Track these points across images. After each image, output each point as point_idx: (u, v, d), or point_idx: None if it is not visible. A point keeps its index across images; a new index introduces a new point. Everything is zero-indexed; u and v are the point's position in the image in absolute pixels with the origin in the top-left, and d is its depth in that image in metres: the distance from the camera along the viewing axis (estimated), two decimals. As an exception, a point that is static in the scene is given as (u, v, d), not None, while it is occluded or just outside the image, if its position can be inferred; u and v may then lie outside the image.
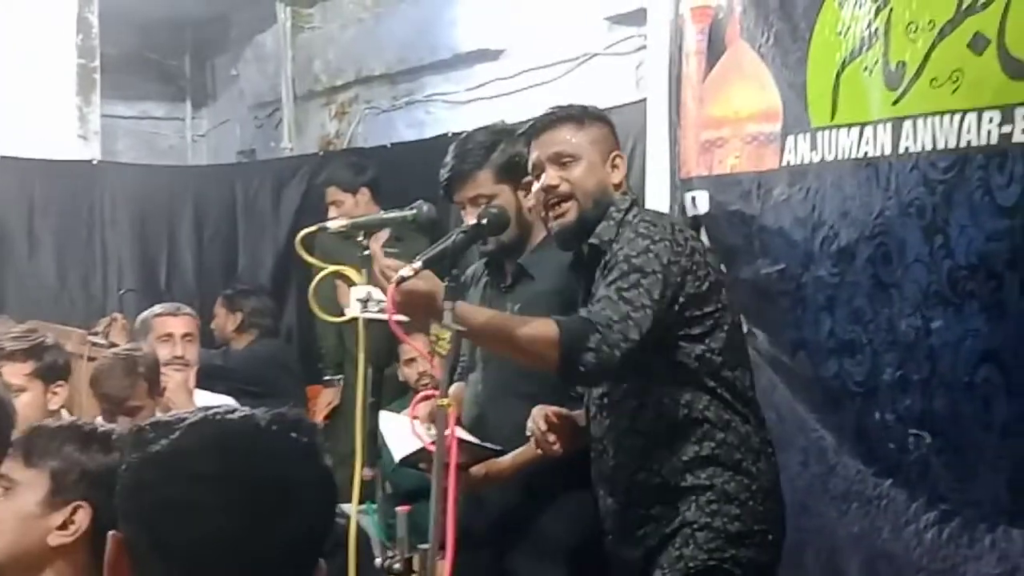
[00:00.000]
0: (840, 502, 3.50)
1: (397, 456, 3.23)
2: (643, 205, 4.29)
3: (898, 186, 3.14)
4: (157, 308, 5.26)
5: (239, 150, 8.34)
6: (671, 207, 4.20)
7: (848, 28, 3.33)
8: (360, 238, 3.15)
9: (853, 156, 3.31)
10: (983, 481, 3.00)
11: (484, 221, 3.05)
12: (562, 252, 3.26)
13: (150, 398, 4.25)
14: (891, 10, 3.18)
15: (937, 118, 3.01)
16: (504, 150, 3.40)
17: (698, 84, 4.08)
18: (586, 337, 2.78)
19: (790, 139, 3.58)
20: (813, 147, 3.49)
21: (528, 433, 3.13)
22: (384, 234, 3.37)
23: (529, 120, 3.24)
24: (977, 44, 2.90)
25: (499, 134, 3.48)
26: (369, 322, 3.00)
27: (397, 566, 3.12)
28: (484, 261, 3.58)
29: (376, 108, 7.03)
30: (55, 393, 4.05)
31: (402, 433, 3.15)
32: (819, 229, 3.45)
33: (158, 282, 7.34)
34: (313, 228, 3.30)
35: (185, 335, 5.07)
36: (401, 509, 3.20)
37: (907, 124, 3.11)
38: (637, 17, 4.88)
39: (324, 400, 6.18)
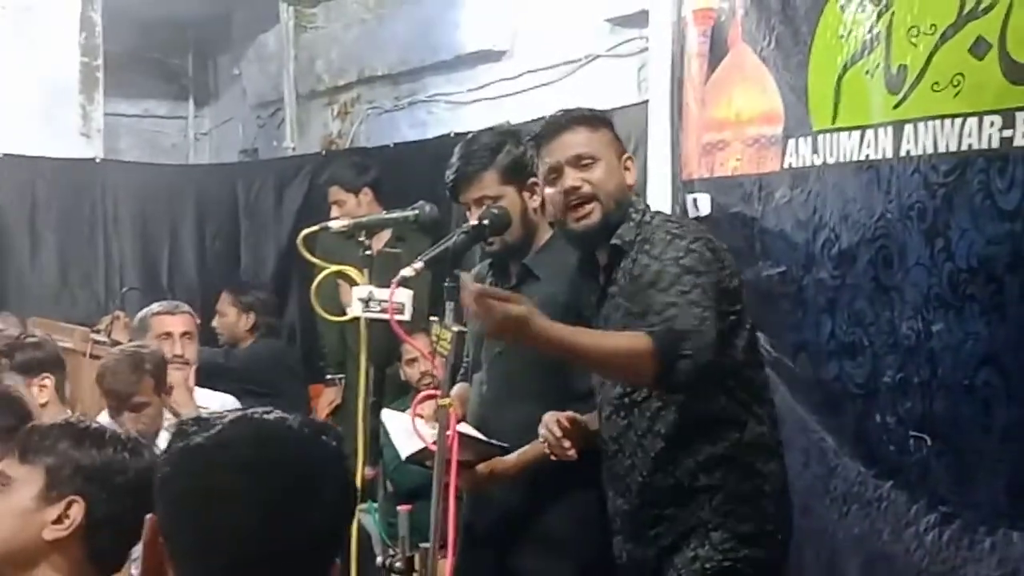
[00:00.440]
0: (840, 504, 3.51)
1: (404, 453, 3.24)
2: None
3: (899, 189, 3.15)
4: (155, 307, 5.26)
5: (241, 149, 8.35)
6: (672, 209, 4.20)
7: (850, 31, 3.34)
8: (362, 238, 3.15)
9: (854, 159, 3.32)
10: (983, 484, 3.01)
11: (485, 222, 3.05)
12: (567, 253, 3.27)
13: (156, 395, 4.26)
14: (893, 14, 3.19)
15: (938, 122, 3.02)
16: (509, 151, 3.40)
17: (700, 86, 4.09)
18: (679, 345, 2.78)
19: (791, 142, 3.59)
20: (814, 150, 3.50)
21: (541, 440, 3.14)
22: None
23: (533, 121, 3.25)
24: (979, 48, 2.91)
25: (504, 135, 3.49)
26: (371, 321, 3.01)
27: (398, 565, 3.13)
28: (488, 261, 3.59)
29: (379, 108, 7.04)
30: (43, 386, 4.06)
31: (407, 431, 3.16)
32: (820, 232, 3.46)
33: (160, 280, 7.36)
34: (315, 228, 3.31)
35: (184, 333, 5.07)
36: (402, 508, 3.21)
37: (908, 128, 3.12)
38: (639, 19, 4.89)
39: (326, 399, 6.19)
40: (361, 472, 2.96)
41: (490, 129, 3.62)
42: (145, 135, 8.56)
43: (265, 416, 1.69)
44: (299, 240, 3.27)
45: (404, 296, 2.91)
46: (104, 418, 4.06)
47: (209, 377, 5.16)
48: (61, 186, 7.09)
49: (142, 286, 7.08)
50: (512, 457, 3.31)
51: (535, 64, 5.74)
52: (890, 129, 3.19)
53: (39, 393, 4.04)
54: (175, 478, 1.65)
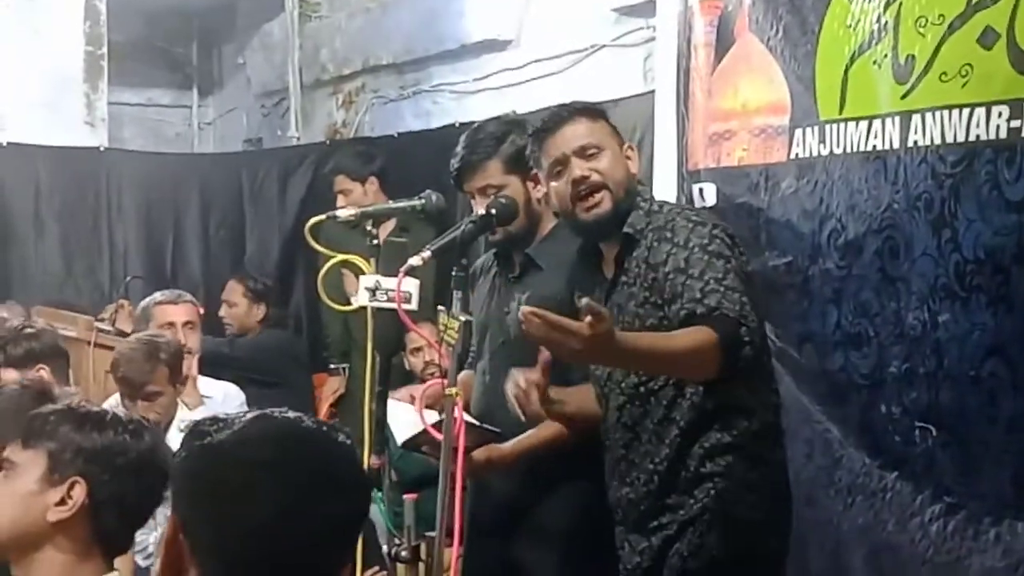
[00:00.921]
0: (845, 494, 3.51)
1: (400, 439, 3.25)
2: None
3: (906, 180, 3.15)
4: (158, 296, 5.26)
5: (245, 138, 8.34)
6: (678, 199, 4.19)
7: (857, 21, 3.34)
8: (369, 227, 3.15)
9: (861, 149, 3.32)
10: (988, 474, 3.01)
11: (493, 211, 3.05)
12: (570, 243, 3.26)
13: (170, 385, 4.27)
14: (900, 4, 3.18)
15: (946, 112, 3.02)
16: (514, 141, 3.40)
17: (706, 76, 4.08)
18: (737, 333, 2.78)
19: (798, 132, 3.59)
20: (821, 140, 3.49)
21: (512, 396, 3.06)
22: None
23: (538, 111, 3.24)
24: (987, 38, 2.90)
25: (509, 125, 3.49)
26: (377, 311, 3.01)
27: (404, 554, 3.13)
28: (493, 252, 3.59)
29: (383, 98, 7.03)
30: (37, 376, 4.06)
31: (404, 418, 3.16)
32: (827, 222, 3.46)
33: (164, 269, 7.36)
34: (322, 216, 3.31)
35: (186, 323, 5.07)
36: (408, 497, 3.21)
37: (916, 118, 3.12)
38: (646, 9, 4.88)
39: (330, 388, 6.19)
40: (367, 461, 2.96)
41: (495, 119, 3.62)
42: (149, 124, 8.56)
43: (282, 415, 1.73)
44: (306, 229, 3.27)
45: (411, 285, 2.91)
46: (111, 404, 4.06)
47: (213, 366, 5.17)
48: (65, 175, 7.09)
49: (146, 275, 7.09)
50: (509, 445, 3.31)
51: (540, 54, 5.73)
52: (897, 119, 3.18)
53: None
54: (194, 476, 1.69)
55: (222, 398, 5.01)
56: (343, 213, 3.36)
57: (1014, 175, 2.84)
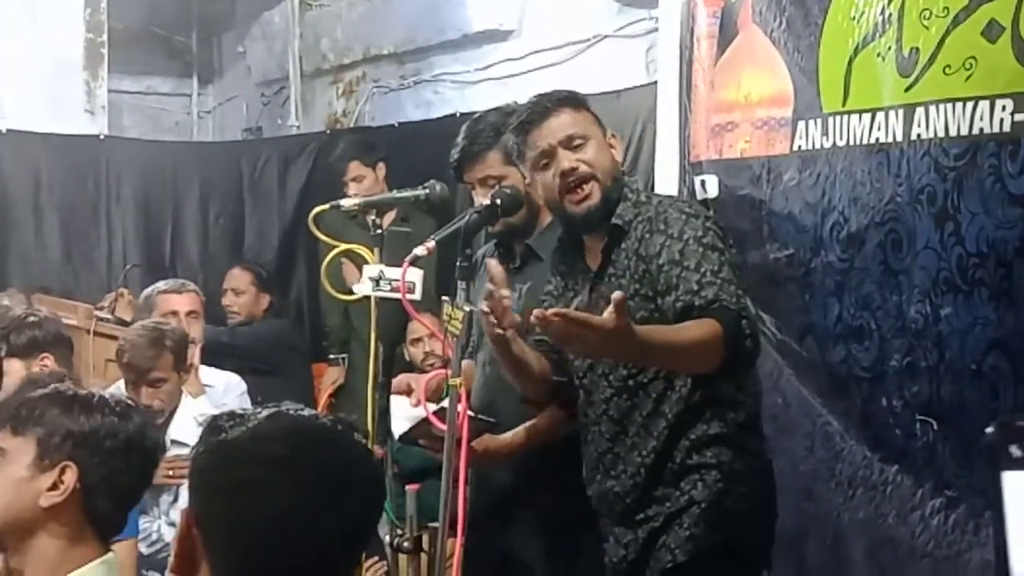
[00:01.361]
0: (846, 487, 3.51)
1: (397, 432, 3.25)
2: (653, 189, 4.32)
3: (909, 172, 3.14)
4: (161, 285, 5.26)
5: (245, 127, 8.33)
6: (680, 190, 4.19)
7: (861, 13, 3.33)
8: (372, 217, 3.15)
9: (864, 142, 3.31)
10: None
11: (498, 201, 3.04)
12: None
13: (175, 372, 4.29)
14: (905, -4, 3.18)
15: (950, 105, 3.01)
16: None
17: (709, 68, 4.07)
18: (739, 325, 2.79)
19: (801, 124, 3.58)
20: (824, 132, 3.48)
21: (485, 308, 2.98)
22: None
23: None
24: (991, 31, 2.89)
25: (510, 116, 3.48)
26: (380, 301, 3.01)
27: (406, 544, 3.13)
28: (494, 243, 3.59)
29: (384, 87, 7.02)
30: (43, 366, 4.07)
31: (401, 412, 3.16)
32: (829, 215, 3.45)
33: (162, 258, 7.35)
34: (326, 206, 3.30)
35: (189, 312, 5.08)
36: (410, 488, 3.21)
37: (919, 111, 3.11)
38: (648, 0, 4.88)
39: (329, 378, 6.19)
40: (368, 452, 2.95)
41: (496, 109, 3.61)
42: (148, 112, 8.54)
43: (298, 412, 1.74)
44: (310, 219, 3.26)
45: (415, 275, 2.90)
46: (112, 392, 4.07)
47: (214, 356, 5.17)
48: (65, 163, 7.08)
49: (145, 264, 7.09)
50: (507, 436, 3.31)
51: (542, 44, 5.73)
52: (901, 112, 3.17)
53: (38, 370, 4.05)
54: (209, 472, 1.70)
55: (223, 387, 5.02)
56: (347, 203, 3.36)
57: (1017, 169, 2.83)
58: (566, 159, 3.05)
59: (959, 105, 2.97)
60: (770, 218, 3.71)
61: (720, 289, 2.84)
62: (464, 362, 3.48)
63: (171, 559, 1.76)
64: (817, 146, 3.51)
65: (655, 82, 4.59)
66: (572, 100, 3.14)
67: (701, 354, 2.80)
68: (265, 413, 1.73)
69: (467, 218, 2.95)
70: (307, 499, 1.65)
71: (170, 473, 4.20)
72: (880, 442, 3.38)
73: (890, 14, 3.21)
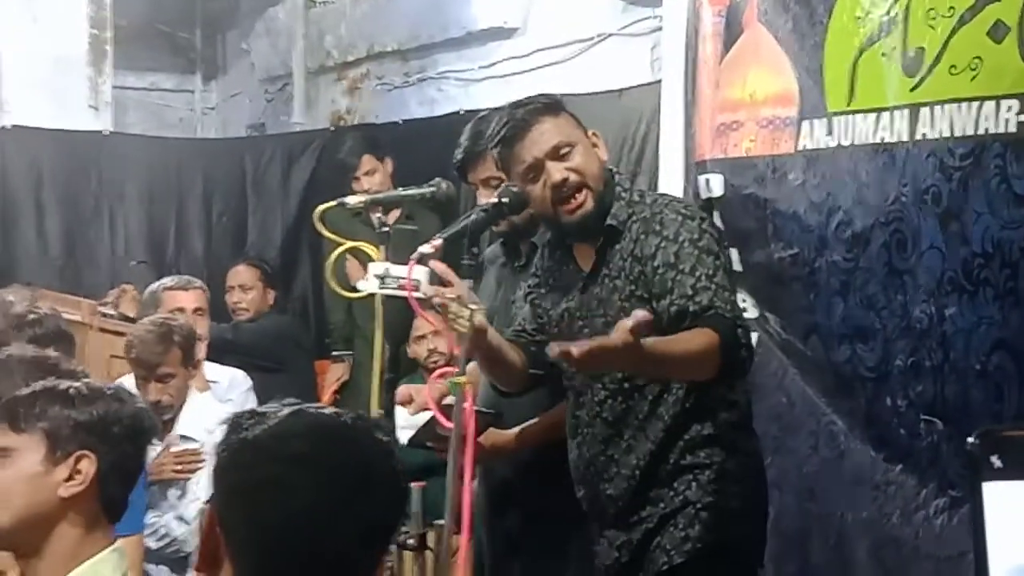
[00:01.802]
0: (850, 487, 3.51)
1: (403, 438, 3.24)
2: (657, 188, 4.32)
3: (914, 173, 3.14)
4: (167, 281, 5.25)
5: (249, 124, 8.31)
6: (685, 189, 4.19)
7: (867, 13, 3.33)
8: (379, 214, 3.15)
9: (869, 142, 3.31)
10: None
11: (504, 200, 3.03)
12: None
13: (183, 367, 4.31)
14: (910, -4, 3.18)
15: (955, 105, 3.01)
16: None
17: (714, 67, 4.07)
18: (735, 335, 2.79)
19: (806, 123, 3.58)
20: (829, 132, 3.48)
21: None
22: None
23: None
24: (997, 32, 2.90)
25: None
26: (386, 298, 3.01)
27: (411, 542, 3.13)
28: (500, 242, 3.58)
29: (388, 84, 7.02)
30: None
31: (402, 420, 3.16)
32: (834, 214, 3.45)
33: (166, 254, 7.35)
34: (332, 203, 3.30)
35: (196, 309, 5.07)
36: (416, 485, 3.21)
37: (924, 111, 3.11)
38: (653, -2, 4.88)
39: (333, 375, 6.19)
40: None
41: (498, 110, 3.60)
42: (152, 108, 8.53)
43: (320, 411, 1.75)
44: (315, 216, 3.27)
45: (421, 273, 2.90)
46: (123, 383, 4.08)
47: (217, 352, 5.17)
48: (68, 159, 7.09)
49: (148, 260, 7.09)
50: (513, 431, 3.32)
51: (547, 42, 5.72)
52: (906, 112, 3.17)
53: None
54: (231, 469, 1.71)
55: (228, 383, 5.03)
56: (352, 200, 3.36)
57: (1023, 169, 2.83)
58: (556, 171, 3.00)
59: (964, 105, 2.98)
60: (775, 217, 3.70)
61: (715, 295, 2.83)
62: (470, 364, 3.49)
63: (195, 556, 1.77)
64: (822, 145, 3.51)
65: (659, 81, 4.59)
66: (550, 107, 3.09)
67: (699, 365, 2.80)
68: (287, 411, 1.73)
69: (473, 216, 2.95)
70: (328, 497, 1.65)
71: (178, 467, 4.21)
72: (884, 442, 3.39)
73: (896, 14, 3.21)
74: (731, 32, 3.99)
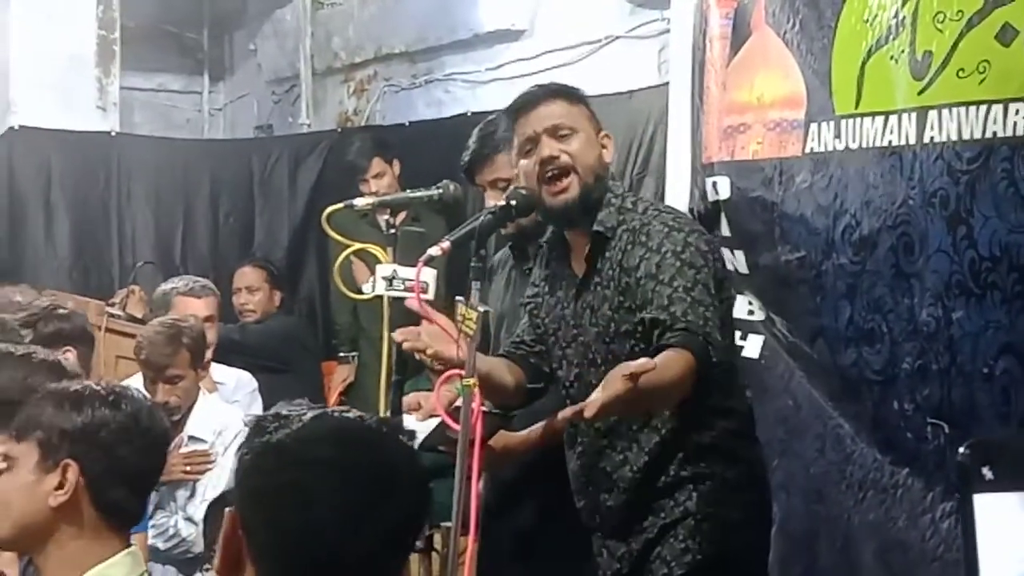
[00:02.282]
0: (856, 490, 3.51)
1: (415, 443, 3.24)
2: (664, 190, 4.32)
3: (922, 176, 3.14)
4: (180, 285, 5.22)
5: (256, 125, 8.33)
6: (692, 192, 4.20)
7: (875, 16, 3.32)
8: (387, 216, 3.15)
9: (877, 145, 3.31)
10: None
11: (513, 202, 3.04)
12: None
13: (192, 369, 4.31)
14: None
15: (963, 108, 3.01)
16: None
17: (722, 69, 4.07)
18: (707, 352, 2.76)
19: (814, 126, 3.58)
20: (837, 135, 3.48)
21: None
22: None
23: None
24: (1005, 35, 2.89)
25: None
26: (393, 300, 3.01)
27: (418, 544, 3.13)
28: (508, 245, 3.58)
29: (395, 86, 7.03)
30: (65, 359, 4.06)
31: (415, 422, 3.16)
32: (841, 217, 3.45)
33: (173, 255, 7.36)
34: (340, 205, 3.31)
35: (207, 318, 5.04)
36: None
37: (932, 114, 3.10)
38: (661, 1, 4.88)
39: (339, 376, 6.20)
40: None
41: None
42: (159, 109, 8.55)
43: (343, 415, 1.74)
44: (323, 218, 3.27)
45: (429, 275, 2.91)
46: (139, 383, 4.09)
47: (224, 353, 5.18)
48: (76, 159, 7.09)
49: (155, 261, 7.09)
50: (523, 434, 3.32)
51: (554, 44, 5.73)
52: (914, 115, 3.17)
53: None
54: (254, 474, 1.70)
55: (234, 384, 5.03)
56: (360, 202, 3.36)
57: (1030, 172, 2.83)
58: (548, 147, 3.01)
59: (972, 108, 2.97)
60: (782, 220, 3.70)
61: (689, 308, 2.80)
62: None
63: (216, 560, 1.76)
64: (830, 148, 3.51)
65: (667, 83, 4.59)
66: (568, 93, 3.12)
67: (681, 389, 2.75)
68: (310, 415, 1.72)
69: (482, 219, 2.95)
70: (351, 501, 1.64)
71: (187, 468, 4.22)
72: (891, 445, 3.38)
73: (904, 17, 3.21)
74: (739, 34, 3.98)
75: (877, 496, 3.43)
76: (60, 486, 2.31)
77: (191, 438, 4.30)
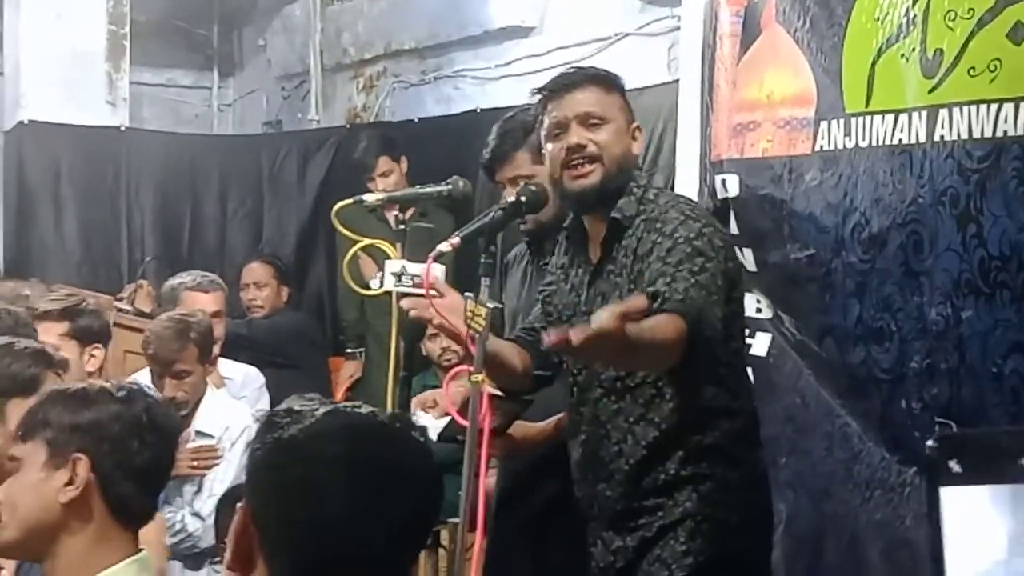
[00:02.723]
0: (863, 489, 3.50)
1: (433, 433, 3.24)
2: (673, 187, 4.31)
3: (932, 174, 3.13)
4: (188, 280, 5.22)
5: (265, 121, 8.34)
6: (701, 189, 4.19)
7: (886, 14, 3.32)
8: (396, 212, 3.15)
9: (887, 143, 3.30)
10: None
11: (523, 199, 3.03)
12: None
13: (200, 364, 4.31)
14: (930, -2, 3.17)
15: (974, 107, 3.00)
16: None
17: (732, 67, 4.06)
18: (702, 327, 2.72)
19: (823, 124, 3.57)
20: (847, 133, 3.48)
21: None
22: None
23: None
24: (1016, 34, 2.89)
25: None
26: (401, 296, 3.01)
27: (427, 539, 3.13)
28: (526, 240, 3.58)
29: (404, 82, 7.03)
30: (92, 356, 4.07)
31: (428, 423, 3.16)
32: (850, 215, 3.44)
33: (181, 251, 7.37)
34: (349, 201, 3.31)
35: (215, 313, 5.04)
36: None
37: (943, 112, 3.10)
38: (671, -2, 4.89)
39: (346, 372, 6.21)
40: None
41: (525, 108, 3.59)
42: (169, 105, 8.56)
43: (355, 410, 1.74)
44: (332, 214, 3.27)
45: (437, 271, 2.91)
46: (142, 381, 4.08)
47: (232, 348, 5.18)
48: (85, 154, 7.11)
49: (163, 256, 7.10)
50: (539, 426, 3.32)
51: (564, 41, 5.73)
52: (924, 113, 3.17)
53: (88, 362, 4.06)
54: (267, 470, 1.70)
55: (242, 379, 5.04)
56: (370, 198, 3.36)
57: (1041, 171, 2.83)
58: (577, 135, 2.99)
59: (983, 107, 2.97)
60: (791, 218, 3.69)
61: (691, 287, 2.76)
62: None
63: (227, 555, 1.75)
64: (839, 146, 3.50)
65: (677, 80, 4.58)
66: (605, 80, 3.09)
67: (668, 353, 2.70)
68: (323, 410, 1.72)
69: (491, 215, 2.95)
70: (363, 497, 1.65)
71: (195, 463, 4.22)
72: (898, 444, 3.38)
73: (914, 15, 3.21)
74: (749, 32, 3.98)
75: (884, 495, 3.42)
76: (70, 482, 2.27)
77: (198, 433, 4.30)
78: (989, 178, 2.95)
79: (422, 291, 2.81)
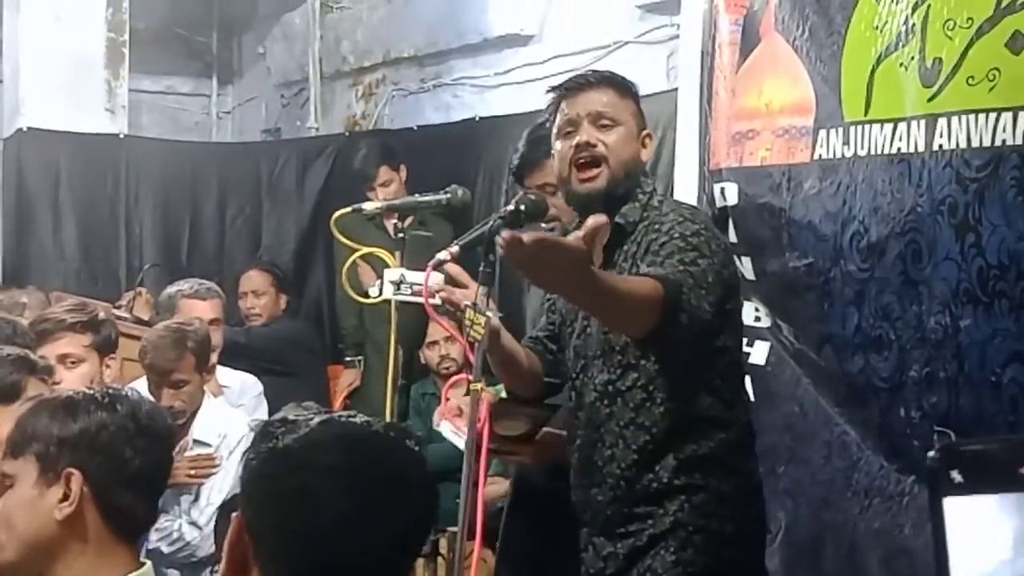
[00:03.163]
0: (862, 497, 3.50)
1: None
2: (672, 195, 4.32)
3: (931, 183, 3.13)
4: (185, 288, 5.23)
5: (264, 128, 8.35)
6: (699, 198, 4.19)
7: (884, 23, 3.32)
8: (395, 220, 3.15)
9: (886, 152, 3.30)
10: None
11: (522, 207, 3.03)
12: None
13: (197, 373, 4.30)
14: (929, 6, 3.17)
15: (972, 116, 3.00)
16: None
17: (731, 75, 4.07)
18: (681, 298, 2.69)
19: (822, 133, 3.57)
20: (845, 142, 3.48)
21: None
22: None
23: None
24: (1015, 43, 2.89)
25: None
26: (400, 304, 3.02)
27: (424, 548, 3.12)
28: None
29: (404, 90, 7.03)
30: (108, 366, 4.08)
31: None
32: (849, 224, 3.44)
33: (180, 258, 7.37)
34: (347, 209, 3.31)
35: (212, 320, 5.05)
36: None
37: (942, 121, 3.10)
38: (670, 6, 4.88)
39: (345, 380, 6.21)
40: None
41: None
42: (168, 112, 8.57)
43: (350, 419, 1.74)
44: (332, 222, 3.27)
45: (436, 279, 2.91)
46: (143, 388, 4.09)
47: (230, 356, 5.18)
48: (84, 161, 7.11)
49: (162, 263, 7.09)
50: (561, 433, 3.27)
51: (563, 49, 5.73)
52: (923, 122, 3.17)
53: (106, 372, 4.06)
54: (262, 479, 1.69)
55: (239, 387, 5.04)
56: (369, 206, 3.36)
57: (1040, 181, 2.83)
58: (586, 133, 2.99)
59: (982, 116, 2.97)
60: (790, 227, 3.70)
61: (679, 272, 2.75)
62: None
63: (222, 565, 1.74)
64: (838, 155, 3.51)
65: (676, 89, 4.59)
66: (620, 83, 3.09)
67: (638, 311, 2.68)
68: (317, 419, 1.72)
69: (491, 224, 2.94)
70: (358, 506, 1.64)
71: (192, 472, 4.21)
72: (897, 453, 3.38)
73: (913, 24, 3.21)
74: (748, 41, 3.98)
75: (883, 503, 3.42)
76: (65, 497, 2.22)
77: (196, 442, 4.29)
78: (988, 187, 2.95)
79: (421, 300, 2.81)
